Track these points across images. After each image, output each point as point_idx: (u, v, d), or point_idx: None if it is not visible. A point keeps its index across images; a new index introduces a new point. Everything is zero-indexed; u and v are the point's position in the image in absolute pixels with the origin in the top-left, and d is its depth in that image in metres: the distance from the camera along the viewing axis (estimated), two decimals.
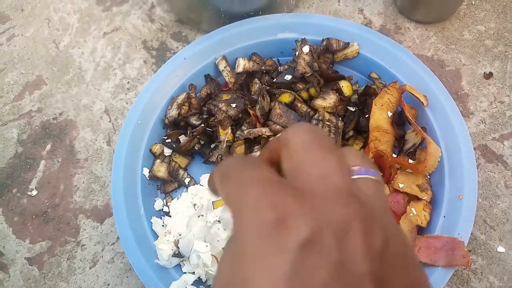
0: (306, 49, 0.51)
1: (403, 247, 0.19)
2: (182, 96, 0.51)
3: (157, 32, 0.61)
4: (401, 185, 0.45)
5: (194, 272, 0.44)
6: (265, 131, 0.48)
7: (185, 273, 0.44)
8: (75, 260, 0.49)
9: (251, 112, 0.49)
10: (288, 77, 0.51)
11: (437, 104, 0.48)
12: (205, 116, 0.51)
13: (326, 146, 0.19)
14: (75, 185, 0.52)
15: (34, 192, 0.52)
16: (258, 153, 0.46)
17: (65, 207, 0.51)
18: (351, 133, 0.49)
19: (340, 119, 0.48)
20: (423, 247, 0.42)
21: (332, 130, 0.46)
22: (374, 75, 0.52)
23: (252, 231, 0.16)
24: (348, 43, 0.52)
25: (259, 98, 0.48)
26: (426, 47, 0.56)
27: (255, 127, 0.49)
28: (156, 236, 0.45)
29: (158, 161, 0.49)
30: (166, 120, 0.50)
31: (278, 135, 0.23)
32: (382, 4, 0.59)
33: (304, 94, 0.50)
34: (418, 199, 0.45)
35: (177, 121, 0.50)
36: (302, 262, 0.15)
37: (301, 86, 0.50)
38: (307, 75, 0.50)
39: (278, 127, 0.47)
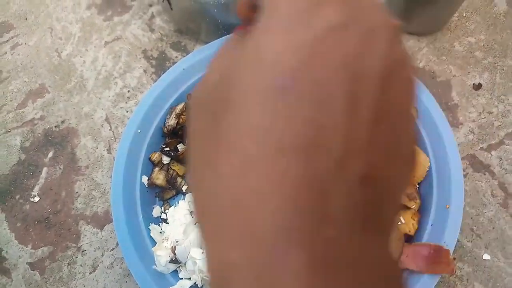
0: None
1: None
2: (180, 106, 0.52)
3: (157, 42, 0.62)
4: None
5: (190, 278, 0.46)
6: None
7: (182, 278, 0.46)
8: (75, 265, 0.50)
9: None
10: None
11: (427, 116, 0.49)
12: None
13: None
14: (76, 192, 0.54)
15: (37, 199, 0.54)
16: None
17: (67, 213, 0.53)
18: None
19: None
20: (410, 255, 0.43)
21: None
22: None
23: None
24: None
25: None
26: (418, 58, 0.58)
27: None
28: (154, 243, 0.47)
29: (156, 169, 0.51)
30: (165, 129, 0.52)
31: None
32: None
33: None
34: (407, 207, 0.47)
35: (175, 130, 0.52)
36: (325, 40, 0.15)
37: None
38: None
39: None
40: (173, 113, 0.52)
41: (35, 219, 0.53)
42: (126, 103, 0.59)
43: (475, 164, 0.51)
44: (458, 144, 0.52)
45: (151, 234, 0.47)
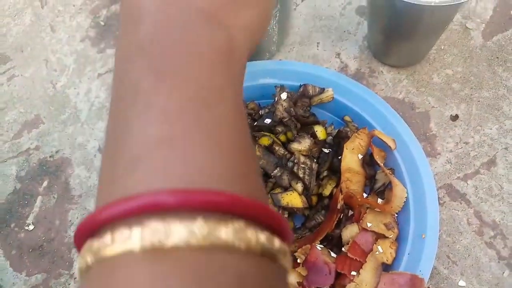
0: (284, 95, 0.55)
1: None
2: None
3: None
4: (369, 224, 0.49)
5: None
6: None
7: None
8: None
9: None
10: (267, 120, 0.55)
11: (404, 147, 0.52)
12: None
13: None
14: (70, 220, 0.56)
15: (31, 227, 0.56)
16: None
17: (60, 241, 0.55)
18: (325, 173, 0.53)
19: (315, 161, 0.52)
20: (387, 283, 0.46)
21: (307, 172, 0.50)
22: (347, 118, 0.56)
23: None
24: (324, 89, 0.56)
25: None
26: (398, 90, 0.60)
27: None
28: None
29: None
30: None
31: None
32: (357, 49, 0.64)
33: (282, 137, 0.54)
34: (385, 237, 0.49)
35: None
36: None
37: (280, 129, 0.55)
38: (285, 120, 0.54)
39: None
40: None
41: (29, 247, 0.55)
42: None
43: (451, 193, 0.54)
44: (436, 174, 0.55)
45: None
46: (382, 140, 0.52)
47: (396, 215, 0.50)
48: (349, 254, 0.46)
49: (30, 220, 0.57)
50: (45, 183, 0.59)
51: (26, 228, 0.56)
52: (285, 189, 0.50)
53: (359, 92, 0.55)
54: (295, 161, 0.51)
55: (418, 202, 0.49)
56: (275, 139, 0.54)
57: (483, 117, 0.58)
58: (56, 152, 0.61)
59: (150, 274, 0.16)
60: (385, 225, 0.49)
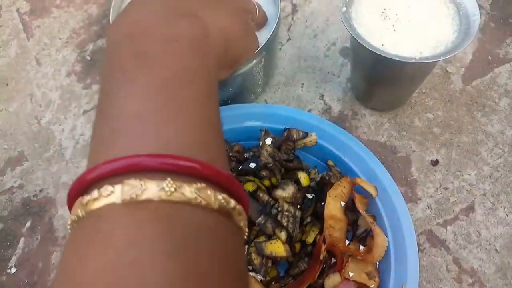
0: (268, 141, 0.56)
1: None
2: None
3: None
4: (351, 274, 0.50)
5: None
6: None
7: None
8: None
9: None
10: (252, 165, 0.56)
11: (385, 194, 0.53)
12: None
13: None
14: (53, 263, 0.56)
15: (13, 270, 0.56)
16: None
17: (43, 285, 0.55)
18: (308, 219, 0.54)
19: (298, 207, 0.53)
20: None
21: (291, 220, 0.51)
22: (330, 162, 0.57)
23: None
24: (307, 133, 0.57)
25: None
26: (380, 133, 0.61)
27: None
28: None
29: None
30: None
31: None
32: (341, 91, 0.65)
33: (267, 182, 0.55)
34: (366, 286, 0.50)
35: None
36: None
37: (264, 173, 0.55)
38: (269, 165, 0.54)
39: None
40: None
41: None
42: None
43: (431, 239, 0.55)
44: (416, 219, 0.56)
45: None
46: (364, 188, 0.53)
47: (377, 264, 0.51)
48: None
49: (12, 262, 0.56)
50: (28, 224, 0.58)
51: (8, 271, 0.56)
52: (269, 236, 0.51)
53: (342, 138, 0.56)
54: (279, 209, 0.51)
55: (399, 251, 0.50)
56: (260, 184, 0.54)
57: (462, 162, 0.59)
58: (40, 191, 0.60)
59: (129, 221, 0.20)
60: (367, 274, 0.50)
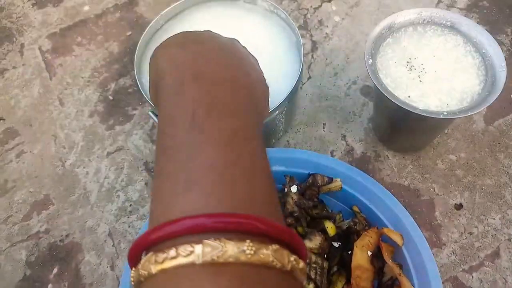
0: (294, 188, 0.56)
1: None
2: None
3: None
4: None
5: None
6: None
7: None
8: None
9: None
10: None
11: (410, 242, 0.53)
12: None
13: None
14: None
15: None
16: None
17: None
18: (335, 268, 0.54)
19: (325, 257, 0.53)
20: None
21: (318, 272, 0.51)
22: (355, 208, 0.57)
23: None
24: (332, 179, 0.57)
25: None
26: (403, 175, 0.62)
27: None
28: None
29: None
30: None
31: None
32: (362, 131, 0.65)
33: None
34: None
35: None
36: None
37: (290, 221, 0.56)
38: (295, 214, 0.55)
39: None
40: None
41: None
42: (128, 217, 0.62)
43: (457, 286, 0.55)
44: (442, 266, 0.56)
45: None
46: (390, 237, 0.53)
47: None
48: None
49: None
50: (55, 270, 0.59)
51: None
52: None
53: (366, 184, 0.57)
54: (307, 261, 0.52)
55: None
56: None
57: (486, 206, 0.59)
58: (66, 236, 0.61)
59: (210, 282, 0.19)
60: None
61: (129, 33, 0.76)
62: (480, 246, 0.57)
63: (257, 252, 0.20)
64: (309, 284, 0.50)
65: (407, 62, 0.53)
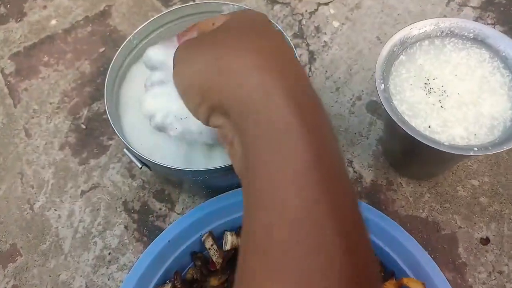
0: None
1: None
2: (168, 287, 0.48)
3: (138, 191, 0.58)
4: None
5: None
6: None
7: None
8: None
9: None
10: None
11: None
12: None
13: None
14: None
15: None
16: None
17: None
18: None
19: None
20: None
21: None
22: None
23: None
24: None
25: None
26: (420, 206, 0.54)
27: None
28: None
29: None
30: None
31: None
32: (371, 155, 0.57)
33: None
34: None
35: None
36: None
37: None
38: None
39: None
40: None
41: None
42: (107, 268, 0.54)
43: None
44: None
45: None
46: (411, 287, 0.46)
47: None
48: None
49: None
50: None
51: None
52: None
53: (382, 224, 0.49)
54: None
55: None
56: None
57: None
58: None
59: None
60: None
61: (102, 49, 0.67)
62: None
63: None
64: None
65: (425, 83, 0.44)
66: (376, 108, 0.60)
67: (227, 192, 0.51)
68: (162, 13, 0.52)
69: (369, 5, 0.68)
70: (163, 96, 0.39)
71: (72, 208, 0.57)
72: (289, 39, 0.47)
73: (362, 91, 0.61)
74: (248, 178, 0.23)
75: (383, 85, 0.43)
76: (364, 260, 0.21)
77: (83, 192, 0.58)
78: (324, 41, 0.65)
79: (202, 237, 0.51)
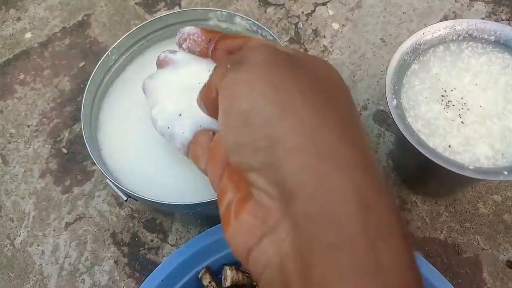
0: None
1: None
2: None
3: (127, 220, 0.52)
4: None
5: None
6: None
7: None
8: None
9: None
10: None
11: None
12: None
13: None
14: None
15: None
16: None
17: None
18: None
19: None
20: None
21: None
22: None
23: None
24: None
25: None
26: (438, 227, 0.49)
27: None
28: None
29: None
30: None
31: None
32: (382, 171, 0.52)
33: None
34: None
35: None
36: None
37: None
38: None
39: None
40: None
41: None
42: None
43: None
44: None
45: None
46: None
47: None
48: None
49: None
50: None
51: None
52: None
53: None
54: None
55: None
56: None
57: None
58: None
59: None
60: None
61: (82, 63, 0.62)
62: None
63: None
64: None
65: (442, 96, 0.39)
66: (384, 119, 0.54)
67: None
68: (143, 23, 0.47)
69: (371, 4, 0.62)
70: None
71: (57, 242, 0.52)
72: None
73: (368, 99, 0.56)
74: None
75: (395, 100, 0.38)
76: None
77: (67, 224, 0.53)
78: (324, 46, 0.60)
79: (199, 273, 0.46)
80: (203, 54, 0.30)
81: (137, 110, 0.46)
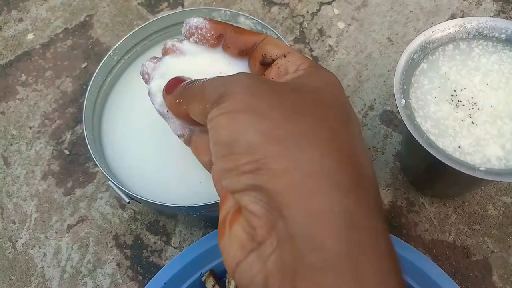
0: None
1: None
2: None
3: (130, 223, 0.52)
4: None
5: None
6: None
7: None
8: None
9: None
10: None
11: None
12: None
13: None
14: None
15: None
16: None
17: None
18: None
19: None
20: None
21: None
22: None
23: None
24: None
25: None
26: (446, 229, 0.48)
27: None
28: None
29: None
30: None
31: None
32: (388, 172, 0.51)
33: None
34: None
35: None
36: None
37: None
38: None
39: None
40: None
41: None
42: None
43: None
44: None
45: None
46: None
47: None
48: None
49: None
50: None
51: None
52: None
53: (403, 254, 0.43)
54: None
55: None
56: None
57: None
58: None
59: None
60: None
61: (84, 64, 0.61)
62: None
63: None
64: None
65: (452, 96, 0.38)
66: (391, 119, 0.54)
67: None
68: (146, 23, 0.46)
69: (377, 2, 0.61)
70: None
71: (59, 244, 0.52)
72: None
73: (375, 100, 0.55)
74: None
75: (403, 100, 0.37)
76: None
77: (69, 227, 0.52)
78: (329, 45, 0.59)
79: (203, 277, 0.45)
80: (212, 46, 0.29)
81: (139, 111, 0.45)
